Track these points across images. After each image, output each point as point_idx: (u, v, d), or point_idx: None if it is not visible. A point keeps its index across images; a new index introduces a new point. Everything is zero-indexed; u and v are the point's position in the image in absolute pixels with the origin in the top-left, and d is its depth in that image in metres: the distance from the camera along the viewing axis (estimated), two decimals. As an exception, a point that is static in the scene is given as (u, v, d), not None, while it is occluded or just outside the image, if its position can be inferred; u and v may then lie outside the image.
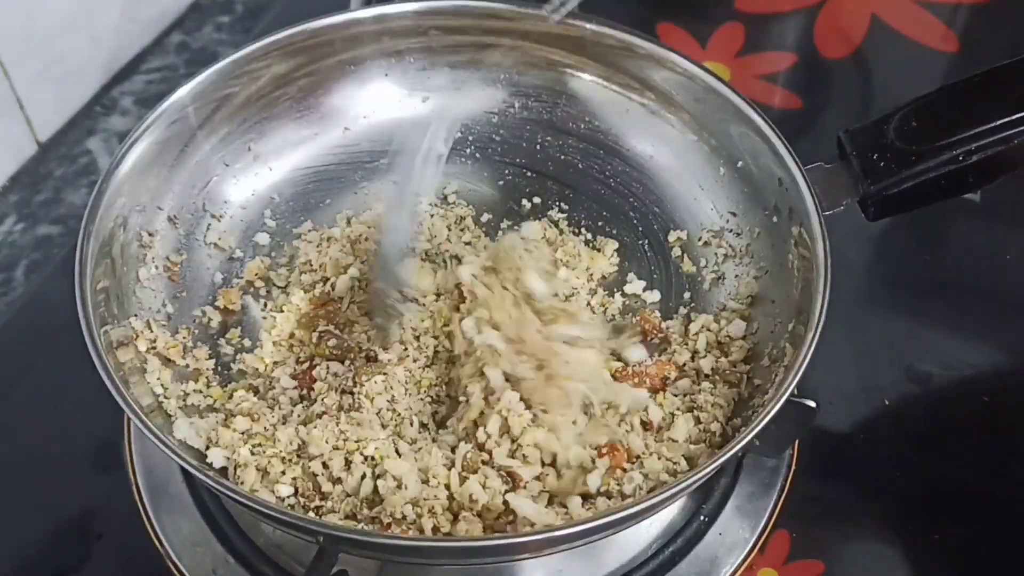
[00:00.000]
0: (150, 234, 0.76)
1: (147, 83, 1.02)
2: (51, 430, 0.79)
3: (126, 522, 0.74)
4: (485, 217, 0.84)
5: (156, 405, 0.70)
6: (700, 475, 0.62)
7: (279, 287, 0.80)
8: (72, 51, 0.96)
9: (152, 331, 0.73)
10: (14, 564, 0.74)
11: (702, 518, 0.74)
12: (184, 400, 0.72)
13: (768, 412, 0.62)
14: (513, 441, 0.68)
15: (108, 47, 1.00)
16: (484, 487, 0.66)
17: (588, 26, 0.81)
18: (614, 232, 0.83)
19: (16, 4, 0.88)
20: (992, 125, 0.70)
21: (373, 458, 0.68)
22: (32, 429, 0.79)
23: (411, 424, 0.71)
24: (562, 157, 0.86)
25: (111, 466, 0.76)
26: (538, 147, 0.86)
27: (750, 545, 0.73)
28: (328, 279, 0.79)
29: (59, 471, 0.77)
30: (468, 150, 0.86)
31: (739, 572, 0.73)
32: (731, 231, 0.79)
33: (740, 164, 0.79)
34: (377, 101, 0.86)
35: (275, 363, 0.75)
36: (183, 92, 0.76)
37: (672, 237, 0.81)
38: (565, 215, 0.84)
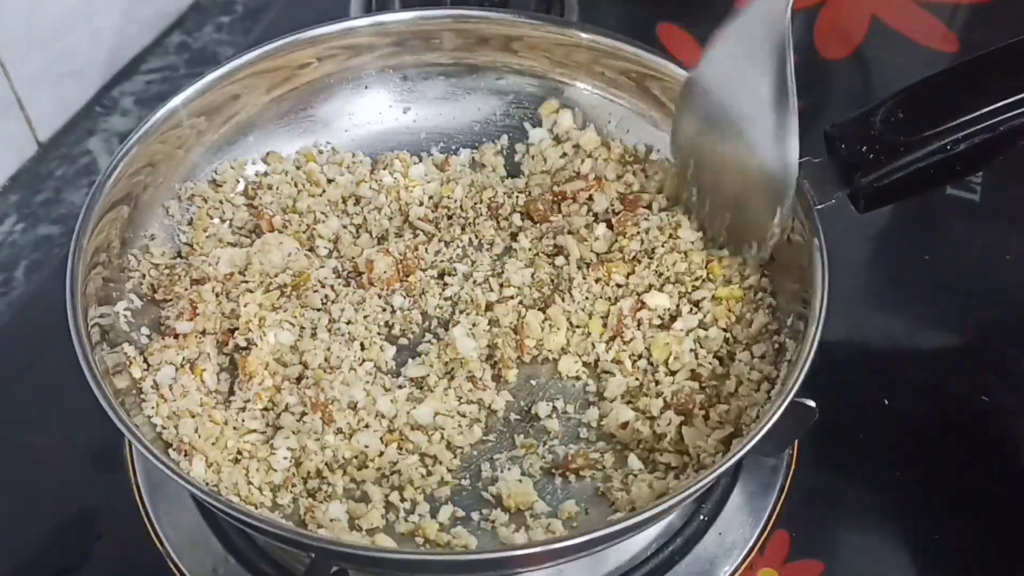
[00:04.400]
0: (138, 259, 0.76)
1: (147, 83, 1.02)
2: (51, 430, 0.79)
3: (126, 522, 0.74)
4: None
5: (156, 436, 0.70)
6: (706, 478, 0.62)
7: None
8: (72, 51, 0.96)
9: (143, 357, 0.73)
10: (14, 564, 0.74)
11: (702, 518, 0.74)
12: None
13: (775, 411, 0.62)
14: None
15: (108, 47, 1.00)
16: None
17: (580, 33, 0.81)
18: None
19: (16, 4, 0.89)
20: (978, 113, 0.70)
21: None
22: (32, 429, 0.79)
23: None
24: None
25: (111, 466, 0.76)
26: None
27: (750, 545, 0.73)
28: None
29: (59, 471, 0.77)
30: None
31: (739, 572, 0.73)
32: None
33: None
34: (360, 113, 0.85)
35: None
36: (176, 102, 0.76)
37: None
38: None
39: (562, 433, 0.73)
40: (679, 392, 0.71)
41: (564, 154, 0.84)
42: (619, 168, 0.82)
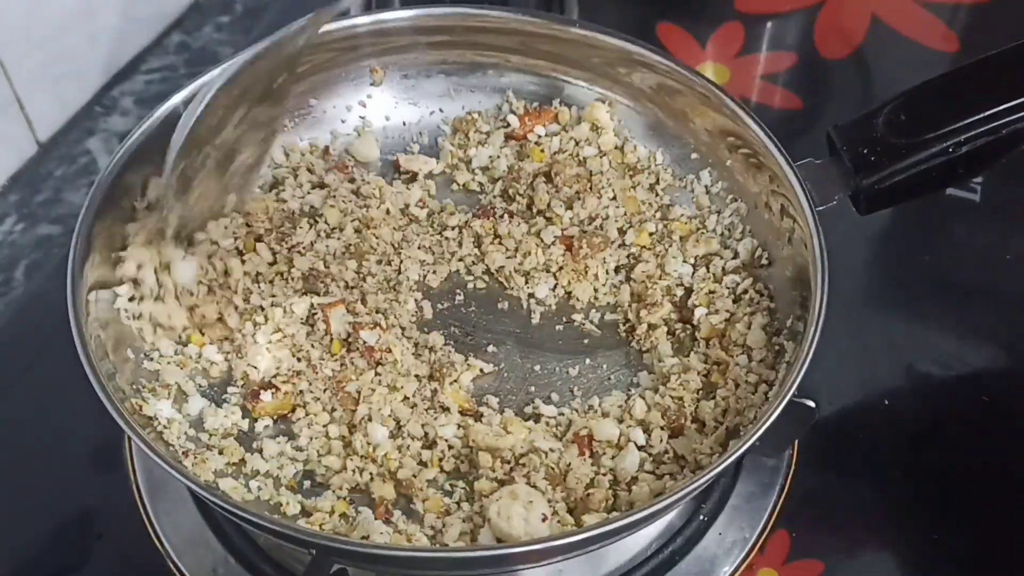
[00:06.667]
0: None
1: (147, 83, 1.02)
2: (51, 430, 0.79)
3: (126, 521, 0.74)
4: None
5: (158, 436, 0.70)
6: (703, 479, 0.62)
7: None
8: (72, 51, 0.96)
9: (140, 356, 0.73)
10: (14, 564, 0.74)
11: (702, 518, 0.74)
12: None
13: (772, 412, 0.62)
14: None
15: (108, 47, 1.00)
16: None
17: (581, 32, 0.81)
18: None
19: (16, 4, 0.88)
20: (981, 116, 0.70)
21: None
22: (32, 429, 0.79)
23: None
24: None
25: (111, 465, 0.76)
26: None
27: (750, 545, 0.73)
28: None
29: (59, 471, 0.77)
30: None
31: (739, 572, 0.73)
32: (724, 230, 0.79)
33: (728, 163, 0.79)
34: (366, 109, 0.85)
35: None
36: (175, 101, 0.76)
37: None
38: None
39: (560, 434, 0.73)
40: (667, 411, 0.71)
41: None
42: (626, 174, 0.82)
